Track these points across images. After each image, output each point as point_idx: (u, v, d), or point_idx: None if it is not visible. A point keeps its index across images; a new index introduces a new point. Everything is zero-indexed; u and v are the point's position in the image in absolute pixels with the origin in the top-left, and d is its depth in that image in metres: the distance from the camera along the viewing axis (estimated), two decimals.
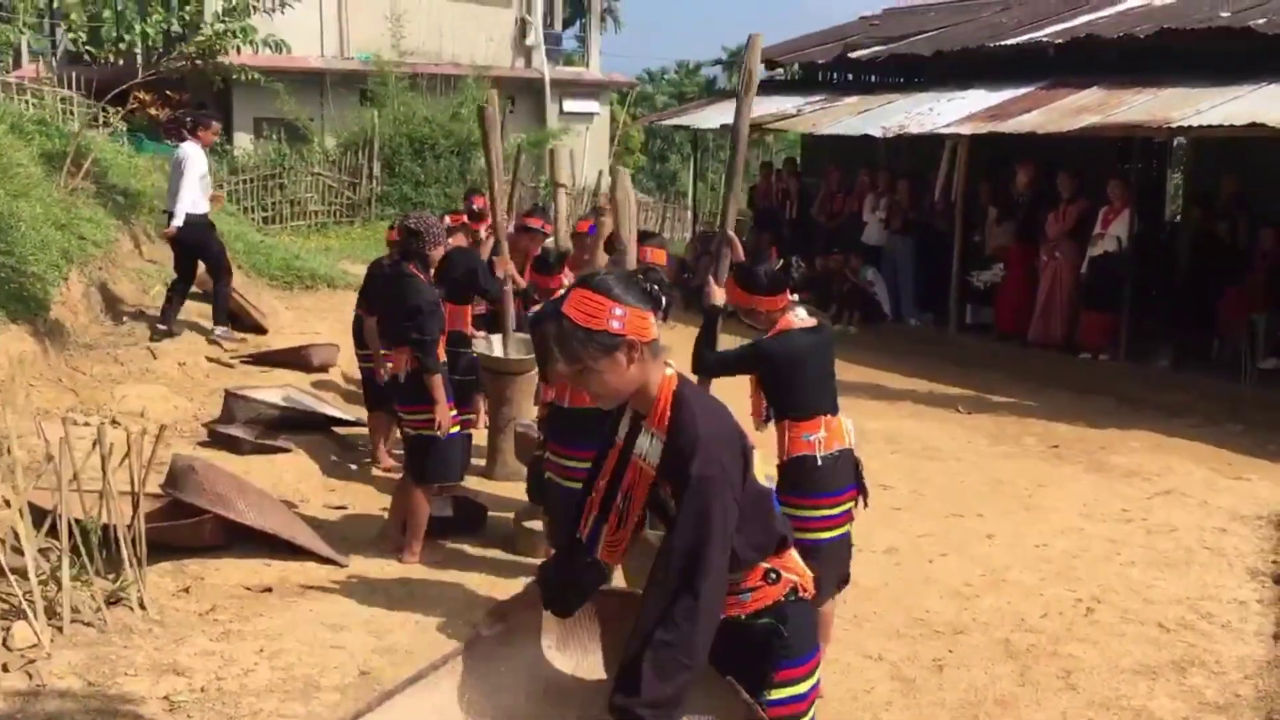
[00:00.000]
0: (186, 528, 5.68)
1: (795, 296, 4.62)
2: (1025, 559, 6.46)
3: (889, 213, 14.13)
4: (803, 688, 2.78)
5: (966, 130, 12.36)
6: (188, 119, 10.88)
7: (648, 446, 2.58)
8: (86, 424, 7.53)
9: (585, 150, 28.97)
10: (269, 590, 5.53)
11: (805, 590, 2.75)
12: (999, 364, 11.94)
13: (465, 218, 8.82)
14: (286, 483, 7.10)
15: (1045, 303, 12.30)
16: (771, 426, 4.68)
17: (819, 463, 4.47)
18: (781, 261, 4.57)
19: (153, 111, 28.34)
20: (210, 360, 9.90)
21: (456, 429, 6.11)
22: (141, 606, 5.01)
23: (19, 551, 4.91)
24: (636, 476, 2.60)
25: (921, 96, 14.20)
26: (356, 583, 5.76)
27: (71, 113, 20.98)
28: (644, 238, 5.21)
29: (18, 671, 4.32)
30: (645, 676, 2.40)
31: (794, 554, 2.77)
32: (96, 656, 4.52)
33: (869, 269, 14.12)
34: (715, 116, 16.25)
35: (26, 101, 18.18)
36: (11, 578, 4.56)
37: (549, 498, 5.31)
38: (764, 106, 15.67)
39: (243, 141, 25.69)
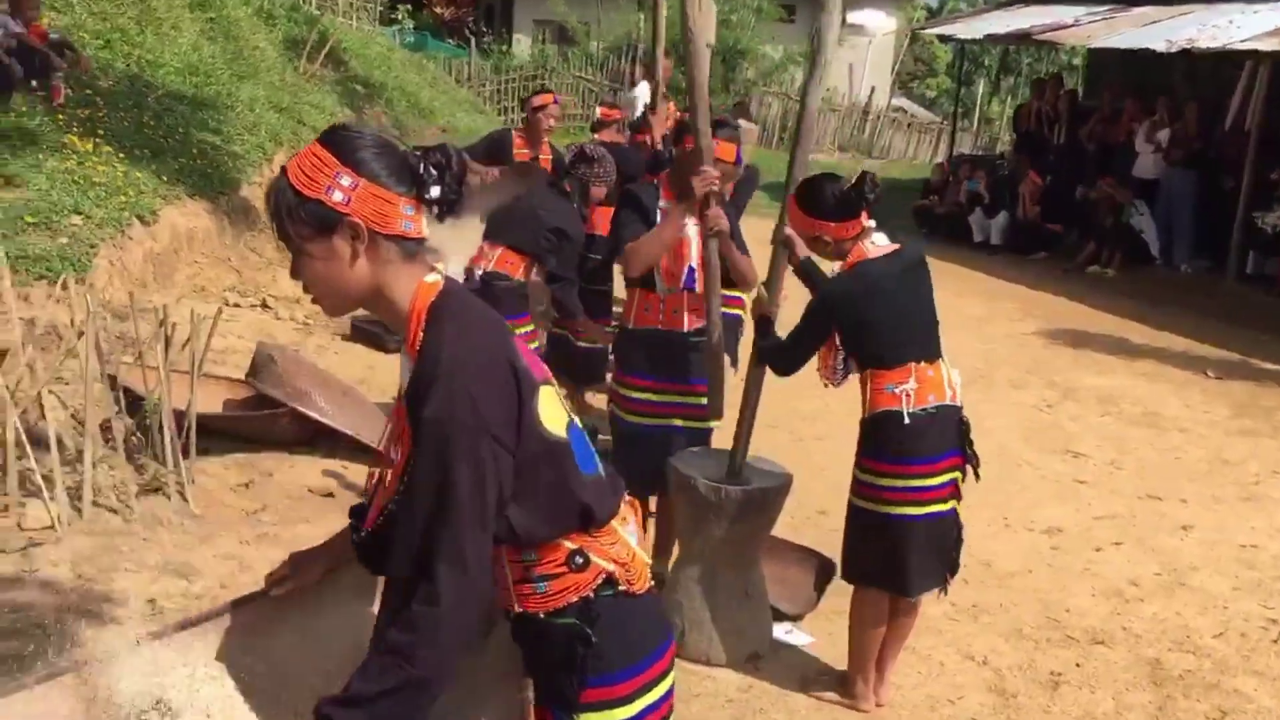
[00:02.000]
0: (262, 419, 5.42)
1: (873, 222, 3.72)
2: (1221, 560, 5.28)
3: (1170, 142, 12.32)
4: (622, 713, 2.01)
5: (1266, 47, 10.49)
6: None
7: (407, 379, 1.89)
8: (236, 305, 7.48)
9: (865, 64, 27.46)
10: (330, 495, 5.19)
11: (630, 582, 1.99)
12: (1277, 324, 10.20)
13: (617, 113, 8.08)
14: None
15: None
16: (855, 380, 3.83)
17: (906, 420, 3.60)
18: (858, 177, 3.68)
19: (438, 10, 29.13)
20: None
21: (536, 344, 5.56)
22: (183, 497, 4.75)
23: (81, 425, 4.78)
24: (402, 420, 1.91)
25: (1225, 8, 12.23)
26: None
27: (366, 8, 21.75)
28: (716, 127, 4.38)
29: (15, 554, 4.12)
30: (358, 675, 1.76)
31: (619, 532, 2.01)
32: (107, 547, 4.27)
33: (1138, 204, 12.43)
34: (981, 26, 14.71)
35: None
36: (32, 454, 4.36)
37: (612, 434, 4.65)
38: (1040, 16, 14.07)
39: (521, 43, 25.97)
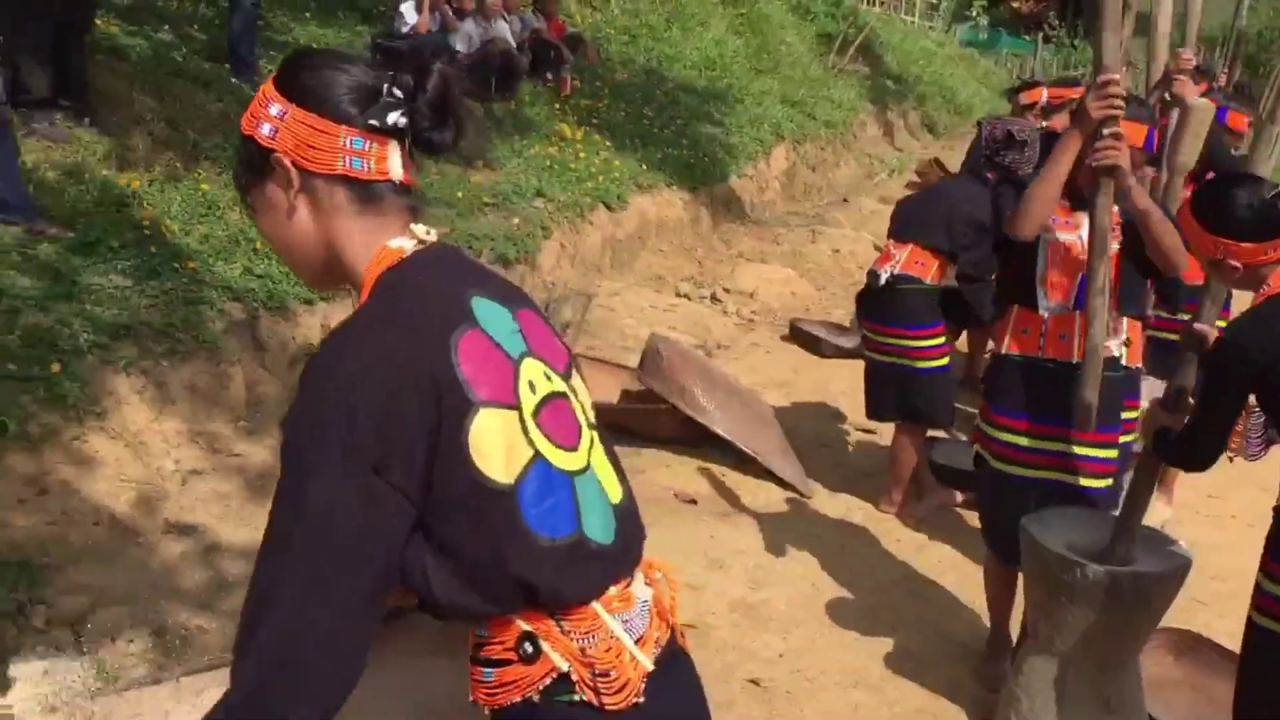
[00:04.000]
0: (638, 413, 5.20)
1: None
2: None
3: None
4: None
5: None
6: None
7: None
8: (685, 296, 7.39)
9: None
10: (693, 502, 4.84)
11: (598, 691, 1.39)
12: None
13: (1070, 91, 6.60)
14: (831, 392, 6.25)
15: None
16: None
17: None
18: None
19: (1015, 4, 27.88)
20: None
21: (946, 360, 4.77)
22: None
23: None
24: None
25: None
26: (800, 518, 4.82)
27: (934, 5, 21.53)
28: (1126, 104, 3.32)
29: None
30: None
31: (602, 619, 1.42)
32: None
33: None
34: None
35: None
36: None
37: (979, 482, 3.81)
38: None
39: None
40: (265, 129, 1.39)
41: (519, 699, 1.40)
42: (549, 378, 1.46)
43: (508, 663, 1.40)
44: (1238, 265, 2.64)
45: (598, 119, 8.58)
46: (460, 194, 6.44)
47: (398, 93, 1.39)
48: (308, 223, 1.42)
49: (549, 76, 8.92)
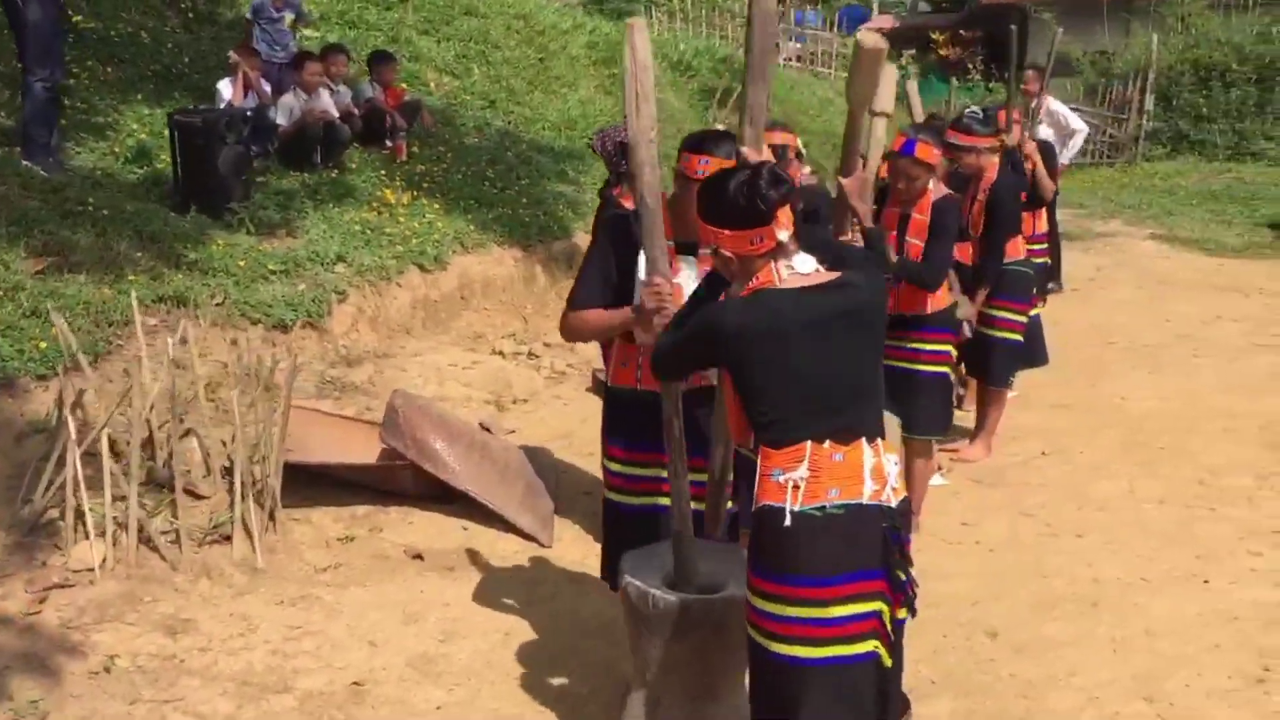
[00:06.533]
0: (384, 471, 5.13)
1: (784, 234, 2.67)
2: None
3: None
4: None
5: None
6: None
7: None
8: (500, 353, 7.35)
9: None
10: (419, 558, 4.76)
11: None
12: None
13: None
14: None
15: None
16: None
17: (787, 520, 2.50)
18: (753, 168, 2.65)
19: (943, 52, 28.21)
20: None
21: None
22: (250, 547, 4.56)
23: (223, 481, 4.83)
24: None
25: None
26: (528, 569, 4.74)
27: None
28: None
29: (29, 595, 4.11)
30: None
31: None
32: (127, 594, 4.16)
33: None
34: None
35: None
36: (85, 493, 4.37)
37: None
38: None
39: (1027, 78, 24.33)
40: None
41: None
42: None
43: None
44: (730, 255, 2.65)
45: (430, 183, 8.59)
46: (242, 262, 6.41)
47: None
48: None
49: (387, 144, 8.96)
